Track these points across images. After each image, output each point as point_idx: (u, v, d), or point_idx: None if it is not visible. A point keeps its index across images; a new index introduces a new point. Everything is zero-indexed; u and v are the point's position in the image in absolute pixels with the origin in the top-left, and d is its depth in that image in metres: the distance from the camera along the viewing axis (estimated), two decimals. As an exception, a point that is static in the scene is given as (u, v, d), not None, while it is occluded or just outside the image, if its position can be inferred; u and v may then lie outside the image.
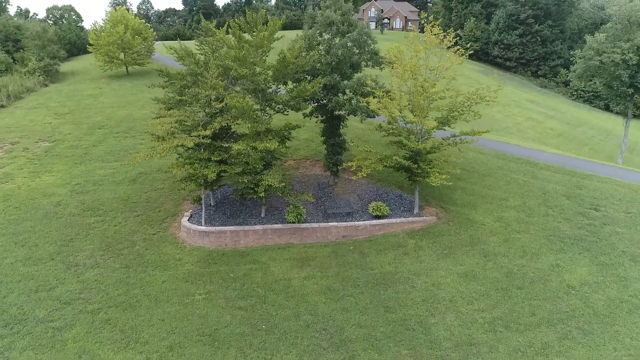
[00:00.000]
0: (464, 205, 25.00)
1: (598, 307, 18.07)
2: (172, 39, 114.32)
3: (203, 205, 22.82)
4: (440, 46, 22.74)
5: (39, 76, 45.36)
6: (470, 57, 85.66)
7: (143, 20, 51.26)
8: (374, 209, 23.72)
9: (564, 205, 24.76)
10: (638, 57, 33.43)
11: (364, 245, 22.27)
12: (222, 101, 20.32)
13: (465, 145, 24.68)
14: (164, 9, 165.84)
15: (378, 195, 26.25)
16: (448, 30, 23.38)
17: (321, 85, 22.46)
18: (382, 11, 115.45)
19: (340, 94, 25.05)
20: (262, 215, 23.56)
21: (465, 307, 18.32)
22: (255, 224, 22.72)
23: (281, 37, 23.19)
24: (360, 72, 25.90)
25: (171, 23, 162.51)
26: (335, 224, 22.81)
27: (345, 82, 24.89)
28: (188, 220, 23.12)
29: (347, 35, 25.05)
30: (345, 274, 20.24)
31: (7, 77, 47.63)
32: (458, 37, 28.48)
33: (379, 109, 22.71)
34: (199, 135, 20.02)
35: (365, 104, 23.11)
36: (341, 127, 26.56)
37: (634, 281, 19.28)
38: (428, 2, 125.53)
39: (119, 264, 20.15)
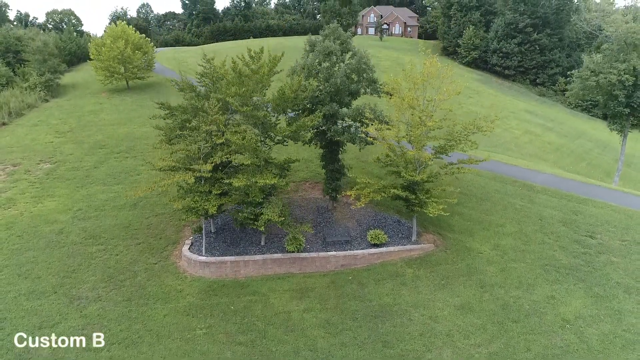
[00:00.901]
0: (461, 232, 25.31)
1: (592, 342, 18.39)
2: (171, 45, 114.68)
3: (204, 235, 23.09)
4: (438, 77, 22.96)
5: (39, 91, 45.56)
6: (469, 65, 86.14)
7: (143, 35, 51.48)
8: (372, 237, 24.04)
9: (560, 232, 25.07)
10: (634, 78, 33.74)
11: (363, 274, 22.58)
12: (223, 134, 20.65)
13: (464, 170, 24.81)
14: (163, 12, 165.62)
15: (376, 220, 26.57)
16: (446, 66, 23.56)
17: (320, 119, 22.75)
18: (381, 17, 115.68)
19: (339, 121, 25.38)
20: (262, 243, 23.87)
21: (462, 341, 18.63)
22: (255, 254, 23.04)
23: (280, 70, 23.43)
24: (359, 97, 26.23)
25: (171, 27, 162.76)
26: (334, 253, 23.13)
27: (345, 109, 25.23)
28: (189, 249, 23.43)
29: (346, 63, 25.41)
30: (344, 306, 20.55)
31: (8, 91, 47.79)
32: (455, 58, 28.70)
33: (375, 138, 23.09)
34: (200, 169, 20.31)
35: (364, 135, 23.45)
36: (340, 152, 26.86)
37: (628, 314, 19.59)
38: (427, 7, 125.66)
39: (120, 296, 20.44)
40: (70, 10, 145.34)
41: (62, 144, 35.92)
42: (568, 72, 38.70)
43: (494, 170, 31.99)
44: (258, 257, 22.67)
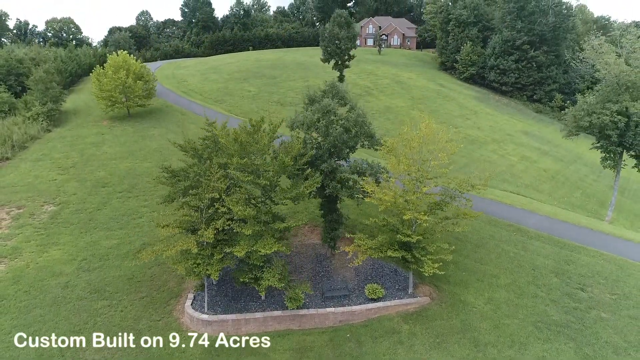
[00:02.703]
0: (456, 284, 26.01)
1: (580, 408, 19.10)
2: (171, 56, 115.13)
3: (205, 292, 23.75)
4: (434, 140, 23.59)
5: (42, 121, 46.12)
6: (467, 80, 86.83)
7: (144, 64, 52.04)
8: (369, 292, 24.74)
9: (552, 284, 25.78)
10: (626, 119, 34.39)
11: (360, 331, 23.26)
12: (223, 202, 21.31)
13: (459, 226, 25.44)
14: (162, 20, 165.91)
15: (374, 269, 27.27)
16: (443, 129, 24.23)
17: (319, 184, 23.42)
18: (380, 28, 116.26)
19: (338, 174, 26.04)
20: (263, 298, 24.54)
21: (456, 407, 19.34)
22: (256, 310, 23.73)
23: (280, 136, 24.07)
24: (357, 149, 26.94)
25: (170, 34, 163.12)
26: (332, 310, 23.82)
27: (343, 164, 25.96)
28: (191, 304, 24.10)
29: (344, 116, 26.07)
30: (342, 367, 21.25)
31: (11, 119, 48.43)
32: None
33: (373, 197, 23.76)
34: (202, 235, 20.98)
35: (361, 196, 24.20)
36: (338, 202, 27.54)
37: (616, 378, 20.32)
38: (424, 21, 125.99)
39: (126, 359, 21.10)
40: (69, 18, 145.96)
41: (65, 181, 36.54)
42: (562, 111, 39.22)
43: (488, 212, 32.58)
44: (259, 314, 23.37)
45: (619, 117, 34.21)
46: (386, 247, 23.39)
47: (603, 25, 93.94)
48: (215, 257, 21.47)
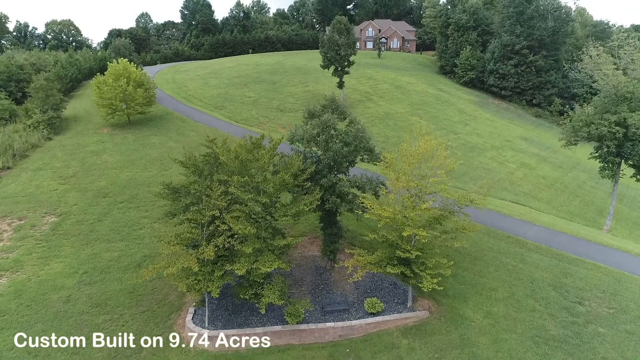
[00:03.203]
0: (455, 297, 26.19)
1: None
2: (171, 59, 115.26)
3: (206, 307, 23.92)
4: (433, 157, 23.74)
5: (42, 129, 46.26)
6: (466, 84, 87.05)
7: (145, 71, 52.23)
8: (369, 306, 24.91)
9: (550, 297, 25.97)
10: (624, 130, 34.58)
11: (360, 346, 23.43)
12: (224, 220, 21.48)
13: (459, 241, 25.58)
14: (162, 22, 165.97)
15: (373, 282, 27.46)
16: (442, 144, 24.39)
17: (319, 202, 23.59)
18: (379, 31, 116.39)
19: (337, 188, 26.22)
20: (263, 312, 24.67)
21: None
22: (256, 326, 23.90)
23: (280, 153, 24.24)
24: (356, 164, 27.13)
25: (170, 36, 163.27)
26: (332, 324, 23.99)
27: (343, 178, 26.12)
28: (192, 318, 24.28)
29: (344, 130, 26.26)
30: (341, 385, 21.42)
31: (12, 126, 48.60)
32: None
33: (372, 213, 23.92)
34: (203, 252, 21.14)
35: (360, 212, 24.37)
36: (338, 215, 27.71)
37: (612, 395, 20.50)
38: (423, 25, 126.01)
39: (127, 371, 21.32)
40: (69, 20, 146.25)
41: (66, 191, 36.71)
42: (561, 116, 39.38)
43: (487, 223, 32.79)
44: (259, 329, 23.54)
45: (617, 127, 34.42)
46: (385, 262, 23.58)
47: (602, 30, 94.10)
48: (215, 274, 21.62)
